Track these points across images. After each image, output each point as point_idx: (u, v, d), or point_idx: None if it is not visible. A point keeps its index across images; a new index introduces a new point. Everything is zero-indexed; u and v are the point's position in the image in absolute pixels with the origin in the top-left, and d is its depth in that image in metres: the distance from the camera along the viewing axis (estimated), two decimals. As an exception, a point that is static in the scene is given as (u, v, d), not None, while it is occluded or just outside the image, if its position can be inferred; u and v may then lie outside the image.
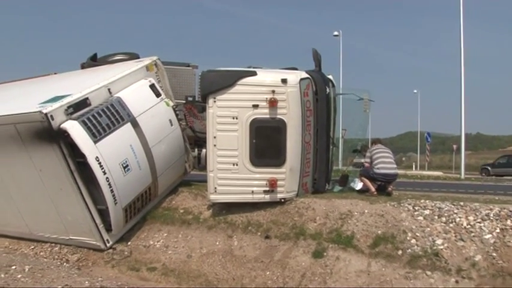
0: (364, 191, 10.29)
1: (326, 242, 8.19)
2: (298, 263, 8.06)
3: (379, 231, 8.02)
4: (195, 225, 9.63)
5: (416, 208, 8.38)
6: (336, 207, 8.86)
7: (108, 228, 9.23)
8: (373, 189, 9.98)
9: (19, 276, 6.44)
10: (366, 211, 8.55)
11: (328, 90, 10.11)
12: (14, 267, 6.84)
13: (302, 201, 9.27)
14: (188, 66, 12.33)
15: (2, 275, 6.35)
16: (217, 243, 9.08)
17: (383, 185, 10.28)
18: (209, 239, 9.22)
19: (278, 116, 9.15)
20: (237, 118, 9.14)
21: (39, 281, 6.30)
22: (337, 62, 39.81)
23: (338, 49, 40.09)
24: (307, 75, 9.62)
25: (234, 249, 8.83)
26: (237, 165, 9.19)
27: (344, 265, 7.69)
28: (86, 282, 6.51)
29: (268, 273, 8.11)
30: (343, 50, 39.91)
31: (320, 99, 9.77)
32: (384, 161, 10.10)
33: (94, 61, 12.76)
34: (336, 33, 40.38)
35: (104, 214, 9.07)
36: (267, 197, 9.26)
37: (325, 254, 8.00)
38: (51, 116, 8.39)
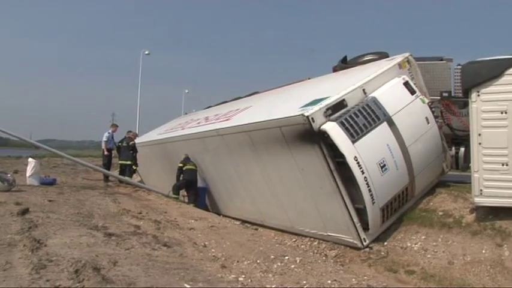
0: None
1: None
2: None
3: None
4: (457, 230, 9.01)
5: None
6: None
7: (365, 227, 9.33)
8: None
9: (292, 266, 6.98)
10: None
11: None
12: (287, 257, 7.44)
13: None
14: (441, 60, 11.68)
15: (279, 263, 6.99)
16: (484, 251, 8.33)
17: None
18: (473, 245, 8.52)
19: None
20: (506, 112, 8.33)
21: (310, 273, 6.71)
22: None
23: None
24: None
25: (504, 260, 7.96)
26: (507, 165, 8.35)
27: None
28: (353, 279, 6.67)
29: (551, 293, 7.07)
30: None
31: None
32: None
33: (345, 63, 13.17)
34: None
35: (361, 213, 9.22)
36: None
37: None
38: (312, 118, 8.92)
